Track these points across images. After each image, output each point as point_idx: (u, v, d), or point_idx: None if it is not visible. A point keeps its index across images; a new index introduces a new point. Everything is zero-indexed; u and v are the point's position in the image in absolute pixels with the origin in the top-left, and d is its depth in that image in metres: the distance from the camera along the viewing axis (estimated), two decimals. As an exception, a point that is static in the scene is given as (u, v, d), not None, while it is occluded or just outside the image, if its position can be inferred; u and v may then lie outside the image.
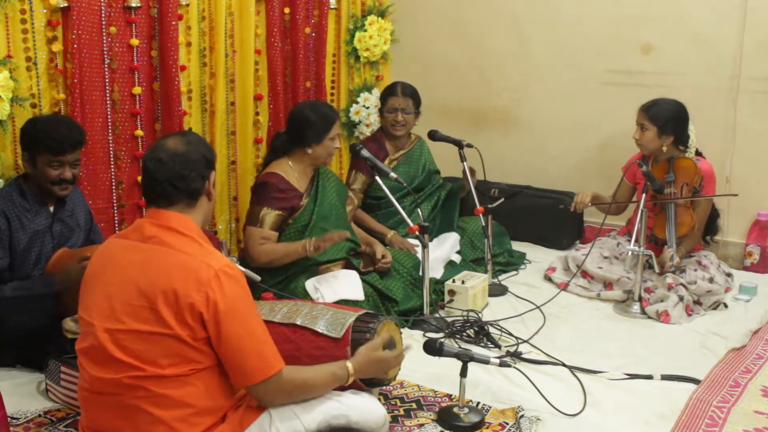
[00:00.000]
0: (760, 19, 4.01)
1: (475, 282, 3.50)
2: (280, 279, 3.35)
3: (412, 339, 3.17)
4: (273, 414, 2.03)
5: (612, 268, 3.74)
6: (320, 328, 2.30)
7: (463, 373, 2.49)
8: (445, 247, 3.93)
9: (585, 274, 3.79)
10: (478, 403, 2.64)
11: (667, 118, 3.68)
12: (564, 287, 3.79)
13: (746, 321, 3.39)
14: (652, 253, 3.42)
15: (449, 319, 3.35)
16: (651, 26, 4.30)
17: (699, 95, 4.09)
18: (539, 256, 4.30)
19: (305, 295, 3.25)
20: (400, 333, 2.49)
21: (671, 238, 3.55)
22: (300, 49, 4.28)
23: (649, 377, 2.86)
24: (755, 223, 4.17)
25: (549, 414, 2.56)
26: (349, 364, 2.16)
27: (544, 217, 4.50)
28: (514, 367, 2.75)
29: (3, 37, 2.95)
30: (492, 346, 3.13)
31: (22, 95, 3.01)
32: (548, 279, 3.96)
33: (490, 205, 3.81)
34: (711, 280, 3.60)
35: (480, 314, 3.41)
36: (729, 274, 3.82)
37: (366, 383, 2.28)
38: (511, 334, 3.23)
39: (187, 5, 3.64)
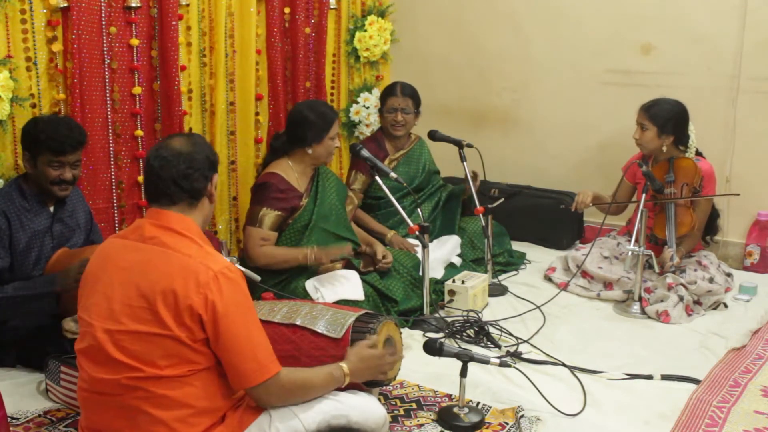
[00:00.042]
0: (760, 19, 4.01)
1: (475, 282, 3.50)
2: (280, 279, 3.35)
3: (412, 339, 3.18)
4: (273, 414, 2.03)
5: (612, 268, 3.74)
6: (320, 328, 2.30)
7: (463, 373, 2.49)
8: (445, 249, 3.93)
9: (585, 274, 3.79)
10: (478, 403, 2.65)
11: (667, 118, 3.68)
12: (564, 287, 3.79)
13: (746, 321, 3.39)
14: (652, 253, 3.42)
15: (449, 319, 3.35)
16: (651, 26, 4.30)
17: (699, 95, 4.09)
18: (539, 256, 4.30)
19: (305, 295, 3.25)
20: (400, 333, 2.48)
21: (671, 238, 3.55)
22: (300, 49, 4.28)
23: (649, 377, 2.86)
24: (755, 223, 4.17)
25: (549, 414, 2.56)
26: (344, 365, 2.16)
27: (544, 217, 4.50)
28: (514, 367, 2.75)
29: (3, 37, 2.95)
30: (492, 346, 3.13)
31: (22, 95, 3.01)
32: (548, 279, 3.96)
33: (490, 205, 3.82)
34: (711, 280, 3.60)
35: (480, 314, 3.41)
36: (729, 274, 3.82)
37: (366, 383, 2.28)
38: (511, 334, 3.23)
39: (187, 5, 3.64)
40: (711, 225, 3.90)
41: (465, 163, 3.82)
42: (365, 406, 2.17)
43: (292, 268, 3.34)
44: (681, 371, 2.90)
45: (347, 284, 3.31)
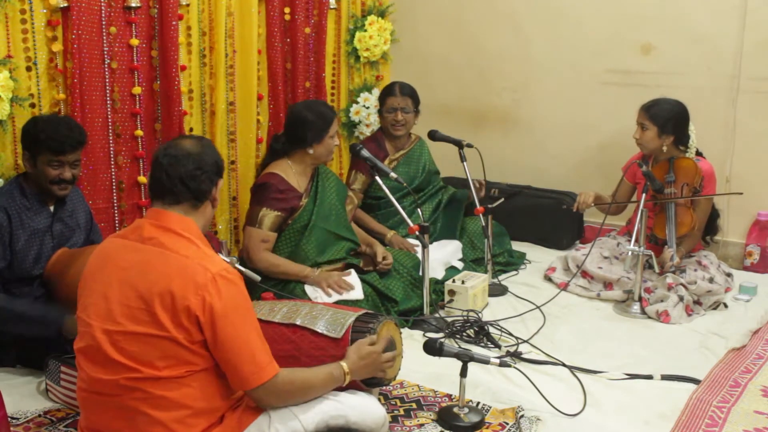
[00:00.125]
0: (760, 19, 4.01)
1: (475, 282, 3.50)
2: (280, 279, 3.35)
3: (412, 339, 3.18)
4: (272, 415, 2.03)
5: (612, 268, 3.74)
6: (320, 328, 2.30)
7: (463, 373, 2.49)
8: (446, 251, 3.91)
9: (585, 274, 3.79)
10: (478, 403, 2.64)
11: (668, 118, 3.68)
12: (564, 287, 3.79)
13: (746, 321, 3.39)
14: (652, 253, 3.42)
15: (449, 319, 3.35)
16: (651, 26, 4.30)
17: (699, 95, 4.09)
18: (539, 256, 4.30)
19: (305, 295, 3.25)
20: (400, 333, 2.48)
21: (671, 238, 3.55)
22: (300, 49, 4.28)
23: (649, 377, 2.86)
24: (755, 223, 4.17)
25: (549, 414, 2.56)
26: (343, 363, 2.16)
27: (544, 217, 4.50)
28: (514, 367, 2.75)
29: (3, 37, 2.95)
30: (492, 346, 3.13)
31: (21, 95, 3.01)
32: (548, 279, 3.96)
33: (490, 205, 3.82)
34: (711, 280, 3.60)
35: (480, 314, 3.41)
36: (729, 274, 3.82)
37: (366, 383, 2.28)
38: (511, 334, 3.23)
39: (187, 5, 3.64)
40: (711, 225, 3.90)
41: (465, 163, 3.82)
42: (364, 406, 2.17)
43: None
44: (681, 371, 2.90)
45: (347, 284, 3.31)
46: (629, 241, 3.46)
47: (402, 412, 2.60)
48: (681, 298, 3.44)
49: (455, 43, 4.95)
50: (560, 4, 4.57)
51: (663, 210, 3.67)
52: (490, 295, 3.67)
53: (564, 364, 2.94)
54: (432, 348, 2.53)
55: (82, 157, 2.91)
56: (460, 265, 3.89)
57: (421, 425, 2.52)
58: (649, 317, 3.45)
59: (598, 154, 4.58)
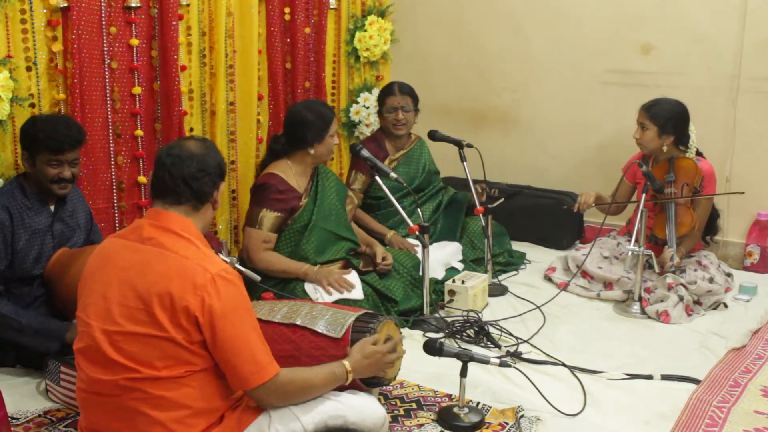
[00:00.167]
0: (760, 19, 4.01)
1: (475, 282, 3.50)
2: (280, 279, 3.35)
3: (412, 339, 3.18)
4: (272, 415, 2.03)
5: (612, 268, 3.74)
6: (320, 328, 2.30)
7: (463, 373, 2.49)
8: (446, 252, 3.91)
9: (585, 274, 3.79)
10: (478, 403, 2.64)
11: (668, 118, 3.68)
12: (564, 287, 3.78)
13: (746, 321, 3.39)
14: (652, 253, 3.42)
15: (449, 319, 3.35)
16: (651, 26, 4.30)
17: (699, 95, 4.09)
18: (539, 256, 4.30)
19: (305, 295, 3.25)
20: (400, 333, 2.48)
21: (671, 238, 3.55)
22: (300, 49, 4.28)
23: (649, 377, 2.86)
24: (755, 223, 4.17)
25: (549, 414, 2.56)
26: (346, 362, 2.16)
27: (544, 217, 4.50)
28: (514, 367, 2.75)
29: (3, 37, 2.95)
30: (492, 346, 3.13)
31: (22, 95, 3.01)
32: (548, 279, 3.96)
33: (490, 205, 3.82)
34: (711, 280, 3.60)
35: (480, 314, 3.41)
36: (729, 274, 3.82)
37: (366, 383, 2.28)
38: (511, 334, 3.23)
39: (187, 5, 3.64)
40: (711, 225, 3.90)
41: (465, 163, 3.82)
42: (364, 407, 2.17)
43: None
44: (681, 371, 2.90)
45: (347, 284, 3.31)
46: (629, 241, 3.46)
47: (402, 412, 2.60)
48: (681, 298, 3.44)
49: (455, 43, 4.95)
50: (560, 4, 4.57)
51: (663, 210, 3.67)
52: (490, 295, 3.67)
53: (564, 364, 2.94)
54: (432, 348, 2.53)
55: (82, 156, 2.91)
56: (460, 266, 3.88)
57: (421, 425, 2.52)
58: (649, 317, 3.45)
59: (598, 154, 4.58)
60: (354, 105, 4.73)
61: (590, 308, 3.61)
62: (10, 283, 2.79)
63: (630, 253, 3.37)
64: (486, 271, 3.77)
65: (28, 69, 3.07)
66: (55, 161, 2.78)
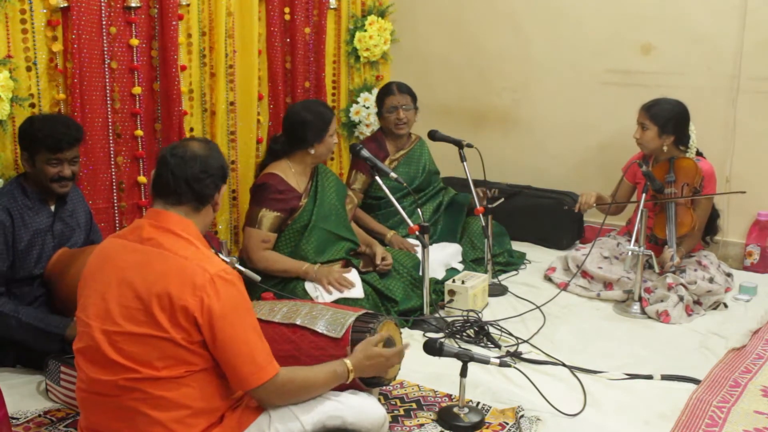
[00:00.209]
0: (760, 19, 4.01)
1: (475, 282, 3.50)
2: (280, 278, 3.35)
3: (412, 339, 3.17)
4: (272, 414, 2.03)
5: (612, 268, 3.74)
6: (320, 328, 2.30)
7: (463, 373, 2.49)
8: (446, 253, 3.91)
9: (585, 274, 3.79)
10: (478, 403, 2.64)
11: (668, 118, 3.68)
12: (564, 287, 3.78)
13: (746, 321, 3.38)
14: (652, 253, 3.42)
15: (449, 319, 3.35)
16: (651, 26, 4.30)
17: (699, 95, 4.09)
18: (539, 256, 4.30)
19: (305, 295, 3.25)
20: (400, 333, 2.49)
21: (671, 238, 3.55)
22: (300, 49, 4.28)
23: (649, 377, 2.86)
24: (755, 223, 4.17)
25: (549, 414, 2.56)
26: (347, 361, 2.16)
27: (544, 217, 4.50)
28: (514, 367, 2.75)
29: (3, 37, 2.95)
30: (492, 346, 3.13)
31: (22, 95, 3.01)
32: (548, 279, 3.96)
33: (490, 205, 3.82)
34: (711, 280, 3.60)
35: (480, 314, 3.41)
36: (729, 274, 3.82)
37: (366, 383, 2.28)
38: (511, 334, 3.23)
39: (187, 5, 3.64)
40: (711, 225, 3.90)
41: (465, 163, 3.82)
42: (363, 407, 2.17)
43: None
44: (681, 371, 2.90)
45: (347, 284, 3.31)
46: (629, 241, 3.46)
47: (402, 412, 2.60)
48: (681, 298, 3.44)
49: (455, 43, 4.95)
50: (560, 4, 4.57)
51: (663, 210, 3.67)
52: (490, 295, 3.67)
53: (564, 364, 2.94)
54: (432, 348, 2.53)
55: (81, 157, 2.91)
56: (460, 267, 3.88)
57: (421, 425, 2.52)
58: (649, 317, 3.45)
59: (598, 154, 4.58)
60: (354, 105, 4.73)
61: (590, 308, 3.61)
62: (10, 283, 2.79)
63: (630, 253, 3.37)
64: (486, 271, 3.77)
65: (28, 69, 3.07)
66: (55, 160, 2.78)
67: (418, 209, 3.75)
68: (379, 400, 2.37)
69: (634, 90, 4.24)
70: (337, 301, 3.13)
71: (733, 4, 4.06)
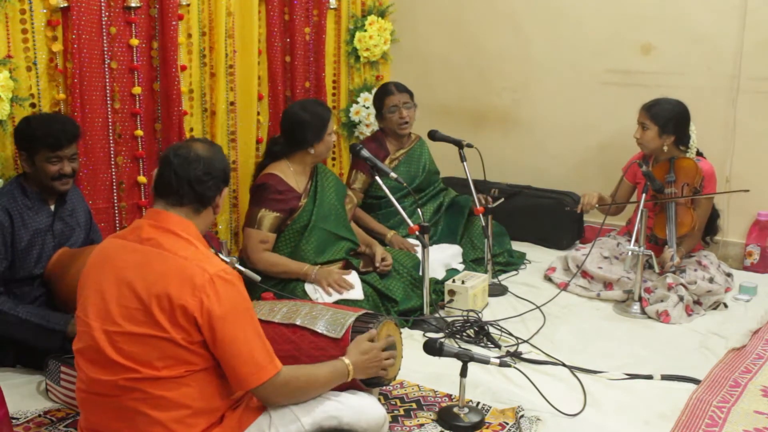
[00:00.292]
0: (760, 19, 4.01)
1: (475, 282, 3.50)
2: (280, 279, 3.35)
3: (412, 339, 3.17)
4: (272, 415, 2.03)
5: (612, 268, 3.74)
6: (320, 328, 2.30)
7: (463, 373, 2.49)
8: (446, 253, 3.91)
9: (585, 274, 3.79)
10: (478, 403, 2.64)
11: (668, 118, 3.68)
12: (564, 287, 3.78)
13: (746, 321, 3.38)
14: (652, 253, 3.42)
15: (449, 319, 3.35)
16: (651, 26, 4.30)
17: (699, 95, 4.09)
18: (539, 256, 4.30)
19: (305, 295, 3.25)
20: (400, 333, 2.48)
21: (671, 238, 3.55)
22: (300, 49, 4.28)
23: (649, 377, 2.86)
24: (755, 223, 4.17)
25: (549, 414, 2.56)
26: (345, 359, 2.17)
27: (544, 217, 4.50)
28: (514, 367, 2.75)
29: (3, 37, 2.95)
30: (492, 346, 3.13)
31: (22, 95, 3.01)
32: (548, 279, 3.96)
33: (490, 205, 3.82)
34: (711, 280, 3.60)
35: (480, 314, 3.41)
36: (729, 274, 3.82)
37: (366, 383, 2.28)
38: (511, 334, 3.23)
39: (187, 5, 3.64)
40: (711, 225, 3.90)
41: (465, 163, 3.82)
42: (363, 407, 2.17)
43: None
44: (681, 371, 2.90)
45: (347, 284, 3.31)
46: (629, 241, 3.46)
47: (402, 412, 2.60)
48: (681, 298, 3.44)
49: (455, 43, 4.95)
50: (560, 4, 4.57)
51: (663, 210, 3.67)
52: (490, 295, 3.67)
53: (564, 364, 2.94)
54: (432, 348, 2.53)
55: (81, 157, 2.91)
56: (461, 267, 3.88)
57: (421, 425, 2.52)
58: (649, 317, 3.45)
59: (598, 154, 4.58)
60: (354, 105, 4.73)
61: (590, 308, 3.61)
62: (10, 283, 2.80)
63: (630, 253, 3.37)
64: (486, 271, 3.77)
65: (28, 69, 3.07)
66: (55, 158, 2.78)
67: (419, 209, 3.75)
68: (379, 400, 2.37)
69: (634, 90, 4.24)
70: (337, 302, 3.13)
71: (733, 4, 4.06)
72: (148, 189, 3.55)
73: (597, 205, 3.85)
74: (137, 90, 3.46)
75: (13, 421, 2.47)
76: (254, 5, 3.93)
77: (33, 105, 3.09)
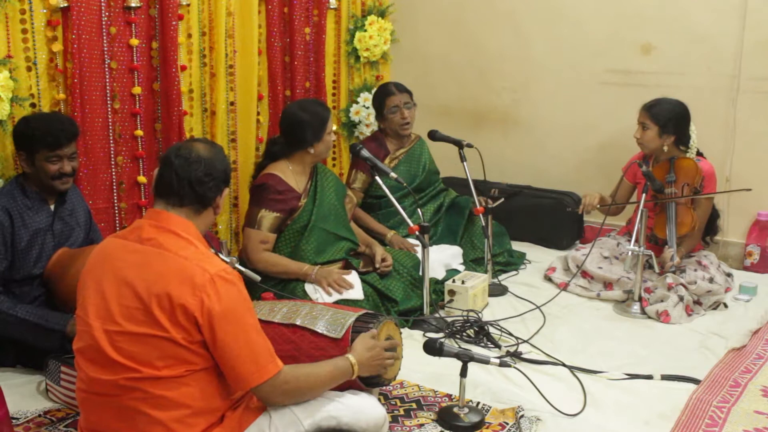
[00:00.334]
0: (760, 19, 4.01)
1: (475, 282, 3.50)
2: (280, 279, 3.35)
3: (412, 339, 3.17)
4: (273, 415, 2.03)
5: (612, 268, 3.74)
6: (320, 328, 2.30)
7: (463, 373, 2.49)
8: (446, 254, 3.90)
9: (585, 274, 3.79)
10: (478, 403, 2.64)
11: (669, 118, 3.68)
12: (564, 287, 3.78)
13: (746, 321, 3.38)
14: (652, 253, 3.42)
15: (449, 319, 3.35)
16: (651, 26, 4.30)
17: (699, 95, 4.09)
18: (539, 256, 4.30)
19: (305, 295, 3.25)
20: (400, 333, 2.49)
21: (671, 238, 3.55)
22: (300, 49, 4.28)
23: (649, 377, 2.86)
24: (755, 223, 4.17)
25: (549, 414, 2.56)
26: (350, 356, 2.17)
27: (544, 217, 4.50)
28: (514, 367, 2.75)
29: (3, 37, 2.95)
30: (492, 346, 3.13)
31: (22, 95, 3.01)
32: (548, 279, 3.96)
33: (490, 205, 3.82)
34: (711, 280, 3.60)
35: (480, 314, 3.41)
36: (729, 274, 3.82)
37: (366, 383, 2.28)
38: (511, 334, 3.23)
39: (188, 5, 3.64)
40: (711, 225, 3.90)
41: (465, 163, 3.82)
42: (363, 407, 2.17)
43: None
44: (681, 371, 2.90)
45: (347, 284, 3.31)
46: (629, 241, 3.46)
47: (402, 412, 2.60)
48: (681, 298, 3.44)
49: (455, 43, 4.95)
50: (560, 4, 4.57)
51: (663, 210, 3.67)
52: (490, 295, 3.67)
53: (564, 364, 2.94)
54: (432, 348, 2.53)
55: (81, 157, 2.92)
56: (461, 267, 3.88)
57: (421, 425, 2.52)
58: (649, 317, 3.45)
59: (598, 154, 4.58)
60: (354, 105, 4.73)
61: (590, 308, 3.61)
62: (9, 283, 2.80)
63: (630, 253, 3.37)
64: (486, 271, 3.77)
65: (28, 69, 3.07)
66: (55, 157, 2.79)
67: (419, 209, 3.75)
68: (379, 400, 2.37)
69: (634, 90, 4.25)
70: (337, 302, 3.13)
71: (733, 4, 4.06)
72: (148, 189, 3.55)
73: (598, 206, 3.85)
74: (137, 90, 3.46)
75: (13, 421, 2.47)
76: (254, 5, 3.93)
77: (33, 105, 3.09)
